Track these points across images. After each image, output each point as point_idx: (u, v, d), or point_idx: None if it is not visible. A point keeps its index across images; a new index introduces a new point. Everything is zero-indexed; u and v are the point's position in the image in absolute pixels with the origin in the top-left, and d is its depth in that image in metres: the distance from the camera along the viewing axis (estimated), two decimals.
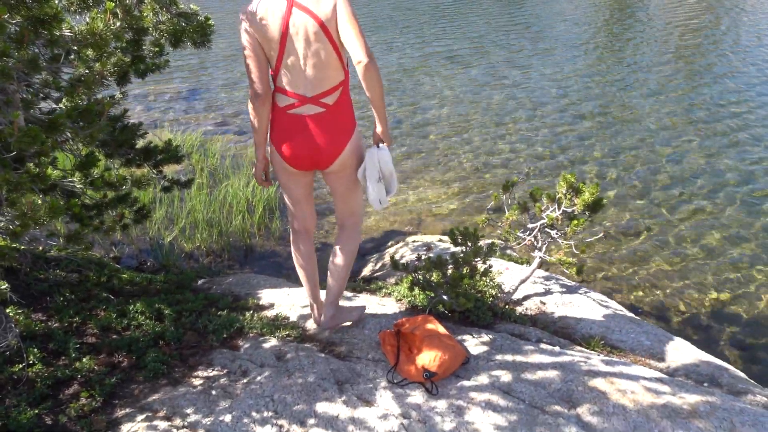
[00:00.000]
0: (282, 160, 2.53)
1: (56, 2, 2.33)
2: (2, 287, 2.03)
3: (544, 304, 3.32)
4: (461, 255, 2.90)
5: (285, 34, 2.25)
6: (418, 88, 8.72)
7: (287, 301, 3.30)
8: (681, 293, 4.25)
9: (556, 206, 3.22)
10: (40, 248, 3.58)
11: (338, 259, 2.79)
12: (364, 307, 3.07)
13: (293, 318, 3.14)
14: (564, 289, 3.47)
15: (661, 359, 2.84)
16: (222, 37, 11.61)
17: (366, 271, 4.28)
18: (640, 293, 4.25)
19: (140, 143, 3.56)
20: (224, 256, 4.60)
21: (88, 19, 2.33)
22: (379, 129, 2.51)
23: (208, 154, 6.14)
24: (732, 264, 4.55)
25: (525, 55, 10.27)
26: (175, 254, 4.52)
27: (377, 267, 4.24)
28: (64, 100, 2.49)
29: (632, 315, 3.45)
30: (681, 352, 2.90)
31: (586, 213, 3.14)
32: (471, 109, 7.87)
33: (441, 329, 2.74)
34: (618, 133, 7.01)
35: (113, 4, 2.18)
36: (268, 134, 2.54)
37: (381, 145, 2.55)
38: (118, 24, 2.24)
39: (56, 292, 3.27)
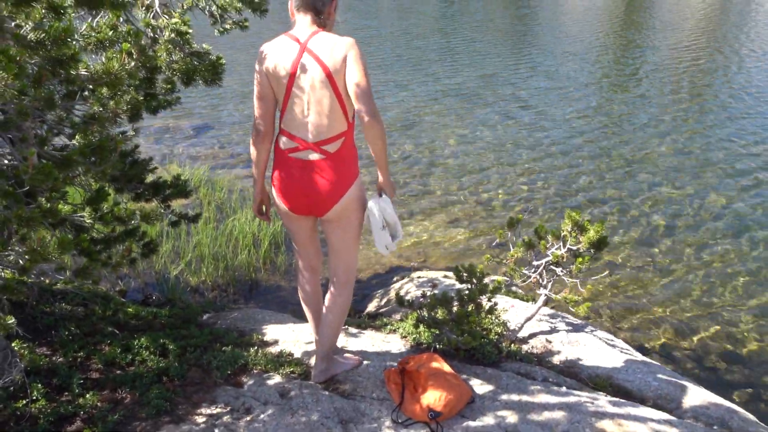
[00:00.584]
0: (281, 202, 2.54)
1: (74, 43, 2.40)
2: (9, 322, 2.04)
3: (550, 342, 3.30)
4: (466, 292, 2.89)
5: (293, 77, 2.28)
6: (427, 125, 8.83)
7: (292, 337, 3.29)
8: (690, 333, 4.21)
9: (561, 244, 3.22)
10: (47, 281, 3.60)
11: (329, 315, 2.72)
12: (360, 362, 2.98)
13: (297, 354, 3.12)
14: (570, 327, 3.45)
15: (670, 401, 2.80)
16: (234, 74, 11.85)
17: (371, 307, 4.27)
18: (648, 332, 4.21)
19: (150, 178, 3.62)
20: (230, 291, 4.60)
21: (104, 59, 2.41)
22: (381, 180, 2.54)
23: (215, 189, 6.21)
24: (742, 304, 4.52)
25: (534, 93, 10.41)
26: (181, 288, 4.53)
27: (382, 303, 4.23)
28: (77, 137, 2.54)
29: (640, 354, 3.41)
30: (690, 393, 2.86)
31: (591, 251, 3.15)
32: (478, 147, 7.95)
33: (446, 368, 2.71)
34: (629, 172, 7.04)
35: (128, 45, 2.25)
36: (272, 174, 2.55)
37: (383, 194, 2.58)
38: (133, 64, 2.30)
39: (62, 325, 3.27)
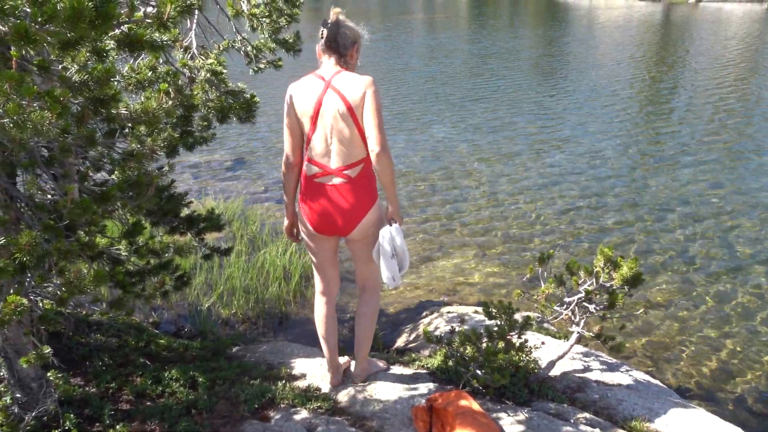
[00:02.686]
0: (307, 223, 2.78)
1: (115, 83, 2.52)
2: (45, 351, 2.10)
3: (583, 381, 3.21)
4: (495, 329, 2.85)
5: (317, 111, 2.56)
6: (455, 158, 8.86)
7: (320, 372, 3.28)
8: (731, 375, 4.04)
9: (594, 280, 3.16)
10: (84, 313, 3.69)
11: (363, 319, 3.00)
12: (388, 367, 3.30)
13: (325, 389, 3.11)
14: (604, 366, 3.35)
15: None
16: (269, 111, 12.16)
17: (400, 342, 4.24)
18: (687, 373, 4.06)
19: (185, 212, 3.71)
20: (260, 323, 4.63)
21: (143, 98, 2.51)
22: (390, 209, 2.74)
23: (248, 222, 6.31)
24: None
25: (566, 126, 10.36)
26: (212, 320, 4.58)
27: (411, 338, 4.19)
28: (116, 173, 2.64)
29: (678, 396, 3.29)
30: None
31: (626, 288, 3.08)
32: (509, 181, 7.92)
33: (475, 406, 2.67)
34: (665, 207, 6.89)
35: (167, 85, 2.34)
36: (299, 199, 2.81)
37: (393, 223, 2.74)
38: (170, 102, 2.39)
39: (96, 356, 3.34)
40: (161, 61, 3.22)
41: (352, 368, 3.20)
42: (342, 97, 2.51)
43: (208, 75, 2.96)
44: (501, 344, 2.84)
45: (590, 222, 6.56)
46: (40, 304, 2.83)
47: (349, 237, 2.78)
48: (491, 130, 10.32)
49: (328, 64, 2.60)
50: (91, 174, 2.76)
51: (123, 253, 2.74)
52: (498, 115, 11.45)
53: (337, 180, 2.63)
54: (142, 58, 2.85)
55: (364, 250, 2.84)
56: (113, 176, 2.75)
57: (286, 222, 2.99)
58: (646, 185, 7.62)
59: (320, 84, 2.56)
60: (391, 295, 5.08)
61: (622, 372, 3.33)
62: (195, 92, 2.94)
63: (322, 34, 2.57)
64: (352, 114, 2.51)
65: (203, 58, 3.03)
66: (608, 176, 7.98)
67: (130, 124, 2.51)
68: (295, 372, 3.33)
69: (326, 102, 2.54)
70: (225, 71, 2.98)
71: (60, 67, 2.34)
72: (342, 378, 3.16)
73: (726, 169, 8.18)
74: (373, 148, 2.49)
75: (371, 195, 2.71)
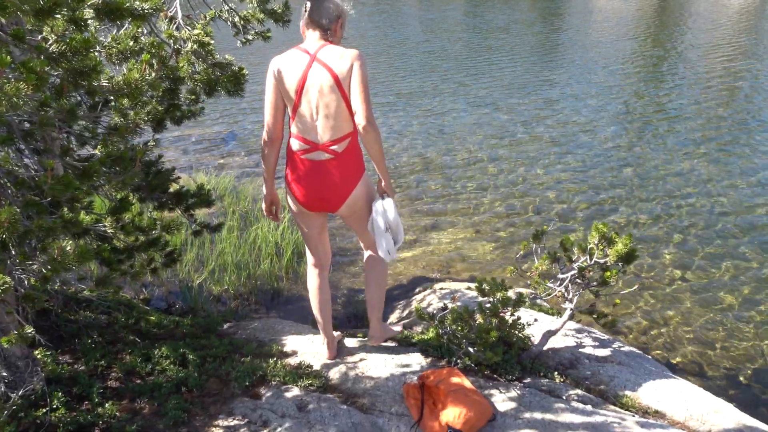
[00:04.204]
0: (296, 199, 2.77)
1: (96, 54, 2.42)
2: (27, 331, 2.05)
3: (576, 358, 3.20)
4: (488, 306, 2.82)
5: (303, 84, 2.52)
6: (449, 132, 8.77)
7: (311, 349, 3.26)
8: (724, 350, 4.05)
9: (588, 257, 3.13)
10: (72, 290, 3.64)
11: (371, 285, 3.07)
12: (402, 331, 3.43)
13: (316, 366, 3.09)
14: (597, 343, 3.35)
15: (701, 422, 2.69)
16: (261, 84, 11.98)
17: (392, 319, 4.22)
18: (679, 349, 4.07)
19: (174, 187, 3.64)
20: (251, 300, 4.60)
21: (125, 70, 2.42)
22: (381, 183, 2.75)
23: (240, 197, 6.24)
24: None
25: (562, 104, 10.25)
26: (204, 297, 4.54)
27: (404, 314, 4.17)
28: (98, 147, 2.56)
29: (670, 372, 3.29)
30: (722, 414, 2.74)
31: (620, 264, 3.05)
32: (502, 155, 7.86)
33: (467, 383, 2.65)
34: (661, 186, 6.84)
35: (149, 56, 2.26)
36: (286, 175, 2.78)
37: (385, 197, 2.75)
38: (154, 74, 2.31)
39: (85, 334, 3.30)
40: (146, 32, 3.12)
41: (346, 342, 3.26)
42: (329, 69, 2.47)
43: (195, 46, 2.86)
44: (494, 321, 2.81)
45: (586, 198, 6.52)
46: (26, 283, 2.77)
47: (339, 212, 2.79)
48: (486, 106, 10.21)
49: (313, 38, 2.57)
50: (73, 148, 2.68)
51: (109, 230, 2.67)
52: (493, 90, 11.32)
53: (324, 155, 2.62)
54: (126, 28, 2.76)
55: (358, 223, 2.88)
56: (96, 151, 2.68)
57: (264, 203, 2.93)
58: (643, 161, 7.57)
59: (305, 57, 2.52)
60: None
61: (614, 348, 3.33)
62: (181, 64, 2.84)
63: (305, 8, 2.57)
64: (339, 87, 2.48)
65: (189, 28, 2.92)
66: (605, 153, 7.92)
67: (112, 97, 2.43)
68: (287, 349, 3.31)
69: (312, 75, 2.50)
70: (212, 42, 2.88)
71: (40, 38, 2.25)
72: (336, 352, 3.15)
73: (722, 146, 8.14)
74: (360, 121, 2.48)
75: (358, 169, 2.71)
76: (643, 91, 11.28)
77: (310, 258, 3.04)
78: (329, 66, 2.47)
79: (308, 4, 2.56)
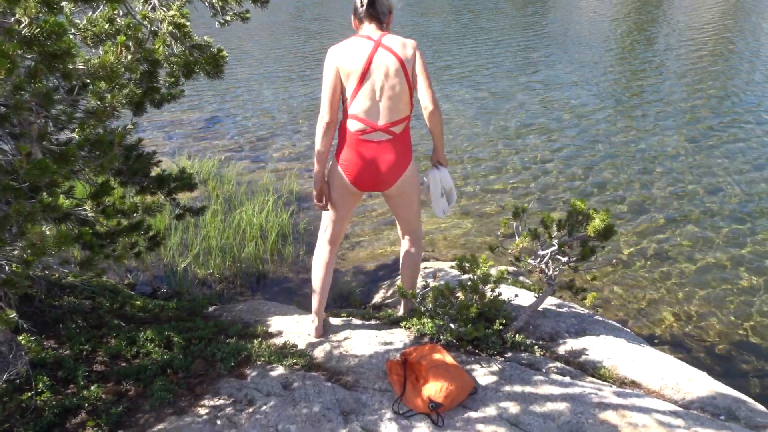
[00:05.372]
0: (345, 179, 2.85)
1: (71, 37, 2.40)
2: (10, 316, 2.06)
3: (556, 332, 3.26)
4: (468, 283, 2.87)
5: (367, 68, 2.65)
6: None
7: (296, 329, 3.30)
8: (701, 321, 4.15)
9: (567, 233, 3.19)
10: (56, 275, 3.63)
11: (407, 270, 3.23)
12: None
13: (301, 346, 3.13)
14: (577, 317, 3.41)
15: (677, 391, 2.77)
16: (245, 66, 11.85)
17: (377, 298, 4.26)
18: (658, 321, 4.16)
19: (156, 171, 3.62)
20: (236, 283, 4.62)
21: (101, 53, 2.40)
22: (439, 154, 3.00)
23: (224, 181, 6.22)
24: (755, 293, 4.44)
25: (547, 84, 10.27)
26: (189, 281, 4.55)
27: (388, 293, 4.22)
28: (76, 131, 2.55)
29: (648, 344, 3.37)
30: (697, 383, 2.82)
31: (599, 240, 3.10)
32: (485, 134, 7.88)
33: (448, 359, 2.70)
34: (643, 163, 6.92)
35: (124, 38, 2.24)
36: (338, 155, 2.85)
37: (439, 165, 3.01)
38: (130, 57, 2.29)
39: (69, 319, 3.31)
40: (122, 13, 3.09)
41: (332, 321, 3.36)
42: (394, 53, 2.65)
43: (171, 28, 2.84)
44: (474, 298, 2.86)
45: (569, 177, 6.59)
46: (7, 268, 2.77)
47: (388, 192, 2.94)
48: (472, 86, 10.21)
49: (370, 28, 2.74)
50: (51, 132, 2.66)
51: (89, 214, 2.67)
52: (476, 69, 11.30)
53: (383, 136, 2.74)
54: (101, 10, 2.72)
55: (403, 205, 3.03)
56: (75, 135, 2.66)
57: (315, 189, 2.92)
58: (628, 142, 7.64)
59: (369, 43, 2.67)
60: (368, 252, 5.08)
61: (594, 321, 3.40)
62: (157, 46, 2.82)
63: (362, 3, 2.72)
64: (405, 70, 2.66)
65: (165, 9, 2.90)
66: (590, 132, 7.98)
67: (89, 80, 2.42)
68: (272, 330, 3.34)
69: (377, 59, 2.65)
70: (188, 24, 2.86)
71: (12, 20, 2.22)
72: (323, 331, 3.20)
73: (706, 124, 8.23)
74: (427, 105, 2.70)
75: (410, 151, 2.88)
76: (631, 71, 11.33)
77: (326, 234, 3.08)
78: (395, 51, 2.65)
79: (364, 1, 2.72)
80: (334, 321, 3.36)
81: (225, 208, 5.57)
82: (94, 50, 2.69)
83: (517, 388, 2.65)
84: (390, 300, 3.95)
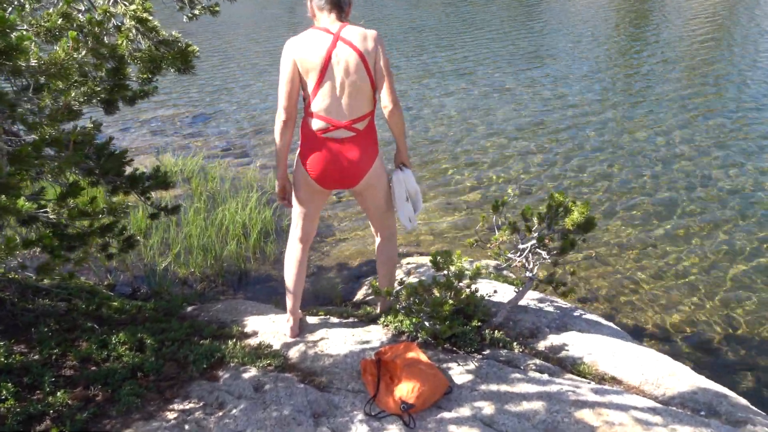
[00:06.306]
0: (309, 178, 2.76)
1: (23, 33, 2.32)
2: None
3: (537, 327, 3.20)
4: (442, 279, 2.81)
5: (326, 64, 2.54)
6: (420, 106, 8.68)
7: (271, 329, 3.23)
8: (683, 315, 4.10)
9: (546, 226, 3.12)
10: (27, 279, 3.56)
11: (383, 267, 3.14)
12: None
13: (276, 346, 3.06)
14: (558, 312, 3.35)
15: (657, 386, 2.71)
16: (231, 63, 11.75)
17: (359, 295, 4.20)
18: (640, 315, 4.10)
19: (136, 169, 3.54)
20: (218, 282, 4.55)
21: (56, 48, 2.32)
22: (402, 155, 2.90)
23: (208, 179, 6.14)
24: (739, 286, 4.39)
25: (535, 77, 10.18)
26: (169, 281, 4.48)
27: (369, 291, 4.15)
28: (37, 132, 2.47)
29: (630, 339, 3.31)
30: (678, 378, 2.76)
31: (579, 233, 3.04)
32: (473, 129, 7.81)
33: (423, 357, 2.64)
34: (627, 156, 6.86)
35: (75, 33, 2.16)
36: (301, 154, 2.76)
37: (403, 167, 2.90)
38: (83, 53, 2.21)
39: (42, 322, 3.23)
40: (83, 9, 3.01)
41: (308, 320, 3.30)
42: (354, 47, 2.53)
43: (134, 23, 2.75)
44: (449, 294, 2.80)
45: (555, 171, 6.52)
46: None
47: (356, 189, 2.84)
48: (460, 76, 10.13)
49: (328, 19, 2.61)
50: (9, 131, 2.58)
51: (51, 216, 2.60)
52: (465, 63, 11.22)
53: (346, 134, 2.65)
54: (58, 6, 2.64)
55: (372, 202, 2.93)
56: (33, 135, 2.58)
57: (278, 186, 2.91)
58: (612, 136, 7.58)
59: (328, 37, 2.55)
60: (351, 249, 5.02)
61: (575, 316, 3.34)
62: (120, 41, 2.74)
63: None
64: (366, 64, 2.54)
65: (126, 3, 2.81)
66: (575, 125, 7.91)
67: (42, 78, 2.34)
68: (248, 330, 3.28)
69: (337, 54, 2.53)
70: (150, 18, 2.77)
71: None
72: (298, 331, 3.14)
73: (694, 117, 8.16)
74: (388, 104, 2.60)
75: (375, 147, 2.79)
76: (621, 62, 11.24)
77: (296, 232, 3.02)
78: (354, 45, 2.53)
79: None
80: (311, 320, 3.30)
81: (208, 205, 5.50)
82: (51, 47, 2.61)
83: (493, 387, 2.59)
84: (370, 297, 3.89)
